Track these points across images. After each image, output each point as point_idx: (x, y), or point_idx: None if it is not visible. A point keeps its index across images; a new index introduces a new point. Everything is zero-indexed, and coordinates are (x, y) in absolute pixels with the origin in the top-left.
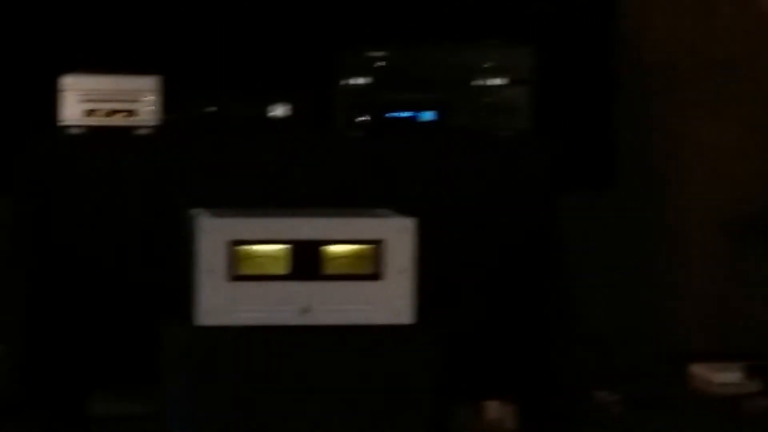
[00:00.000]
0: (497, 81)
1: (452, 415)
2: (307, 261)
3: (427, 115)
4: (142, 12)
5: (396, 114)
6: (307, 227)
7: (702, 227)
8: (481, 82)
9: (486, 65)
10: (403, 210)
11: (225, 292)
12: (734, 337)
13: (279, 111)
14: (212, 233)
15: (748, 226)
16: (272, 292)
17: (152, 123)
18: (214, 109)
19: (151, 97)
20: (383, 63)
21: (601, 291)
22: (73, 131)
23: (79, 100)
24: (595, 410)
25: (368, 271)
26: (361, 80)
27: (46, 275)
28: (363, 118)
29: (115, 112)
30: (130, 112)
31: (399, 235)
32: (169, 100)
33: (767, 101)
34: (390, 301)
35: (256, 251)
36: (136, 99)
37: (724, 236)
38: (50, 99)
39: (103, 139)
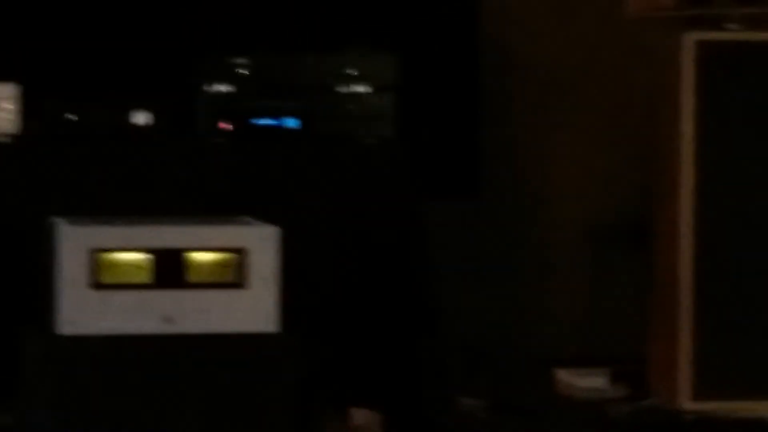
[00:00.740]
0: (361, 88)
1: (318, 422)
2: (169, 269)
3: (291, 122)
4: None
5: (259, 121)
6: (169, 235)
7: (567, 234)
8: (344, 89)
9: (350, 72)
10: (266, 218)
11: (86, 300)
12: (599, 342)
13: (140, 118)
14: (73, 241)
15: (612, 232)
16: (135, 301)
17: (11, 131)
18: (74, 116)
19: (9, 105)
20: (246, 69)
21: (467, 298)
22: None
23: None
24: (461, 416)
25: (232, 280)
26: (223, 87)
27: None
28: (226, 125)
29: None
30: None
31: (262, 243)
32: (28, 107)
33: (630, 108)
34: (254, 310)
35: (118, 259)
36: None
37: (589, 242)
38: None
39: None
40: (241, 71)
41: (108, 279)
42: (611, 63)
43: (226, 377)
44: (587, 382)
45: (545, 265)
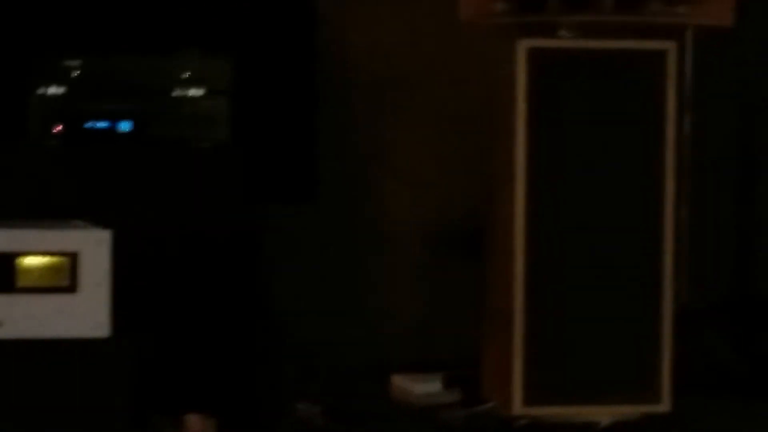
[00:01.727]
0: (195, 92)
1: (153, 428)
2: (0, 273)
3: (125, 126)
4: None
5: (93, 124)
6: (0, 239)
7: (404, 238)
8: (179, 93)
9: (184, 76)
10: (99, 222)
11: None
12: (435, 348)
13: None
14: None
15: (448, 238)
16: None
17: None
18: None
19: None
20: (79, 72)
21: (303, 303)
22: None
23: None
24: (297, 422)
25: (63, 284)
26: (56, 89)
27: None
28: (59, 128)
29: None
30: None
31: (94, 247)
32: None
33: (468, 113)
34: (85, 314)
35: None
36: None
37: (425, 248)
38: None
39: None
40: (74, 73)
41: None
42: (450, 67)
43: (56, 382)
44: (422, 387)
45: (382, 270)
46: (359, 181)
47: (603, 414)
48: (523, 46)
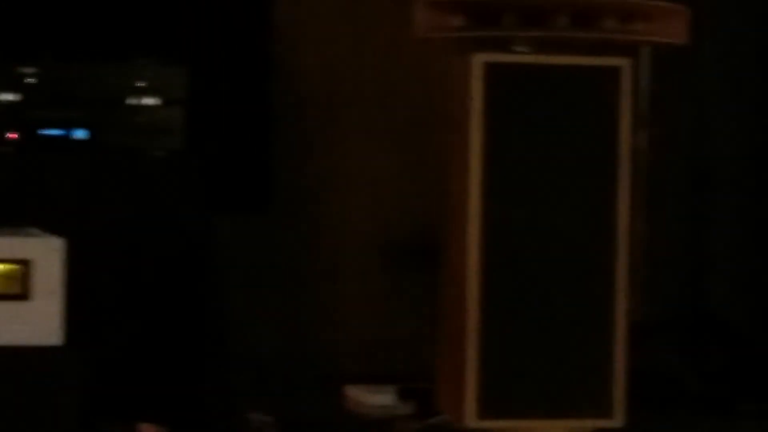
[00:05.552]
0: (150, 100)
1: None
2: None
3: (80, 134)
4: None
5: (47, 131)
6: None
7: (359, 249)
8: (134, 101)
9: (139, 84)
10: (52, 230)
11: None
12: (390, 359)
13: None
14: None
15: (401, 250)
16: None
17: None
18: None
19: None
20: (33, 79)
21: (256, 313)
22: None
23: None
24: None
25: (16, 291)
26: (11, 96)
27: None
28: (12, 135)
29: None
30: None
31: (47, 254)
32: None
33: (419, 128)
34: (38, 322)
35: None
36: None
37: (380, 259)
38: None
39: None
40: (28, 80)
41: None
42: (405, 79)
43: (7, 390)
44: (376, 399)
45: (336, 281)
46: (314, 193)
47: (556, 428)
48: (478, 61)
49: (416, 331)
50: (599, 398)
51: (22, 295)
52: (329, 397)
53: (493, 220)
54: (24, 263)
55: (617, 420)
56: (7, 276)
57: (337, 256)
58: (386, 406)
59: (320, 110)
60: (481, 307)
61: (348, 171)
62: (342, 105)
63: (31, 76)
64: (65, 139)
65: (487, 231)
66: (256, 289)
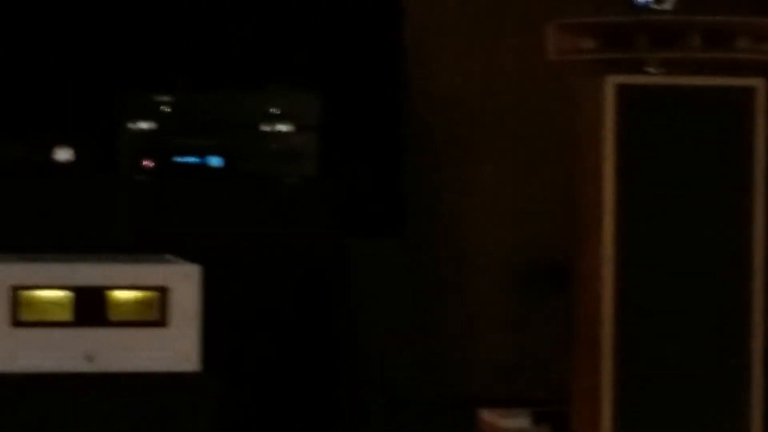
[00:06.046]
0: (284, 127)
1: None
2: (91, 307)
3: (214, 161)
4: None
5: (182, 159)
6: (91, 273)
7: (491, 272)
8: (267, 128)
9: (273, 111)
10: (188, 256)
11: (6, 338)
12: (523, 383)
13: (62, 154)
14: None
15: (536, 271)
16: (55, 339)
17: None
18: None
19: None
20: (169, 107)
21: (389, 336)
22: None
23: None
24: None
25: (153, 318)
26: (146, 124)
27: None
28: (148, 163)
29: None
30: None
31: (184, 281)
32: None
33: (554, 148)
34: (175, 348)
35: (38, 297)
36: None
37: (512, 281)
38: None
39: None
40: (164, 108)
41: (28, 316)
42: (536, 103)
43: (146, 417)
44: (511, 422)
45: (470, 303)
46: (447, 215)
47: None
48: (610, 83)
49: (550, 354)
50: (736, 417)
51: (160, 322)
52: (464, 421)
53: (626, 240)
54: (161, 290)
55: None
56: (144, 303)
57: (470, 278)
58: (521, 430)
59: (452, 132)
60: (615, 327)
61: (480, 192)
62: (474, 126)
63: (166, 104)
64: (200, 167)
65: (620, 251)
66: (390, 313)
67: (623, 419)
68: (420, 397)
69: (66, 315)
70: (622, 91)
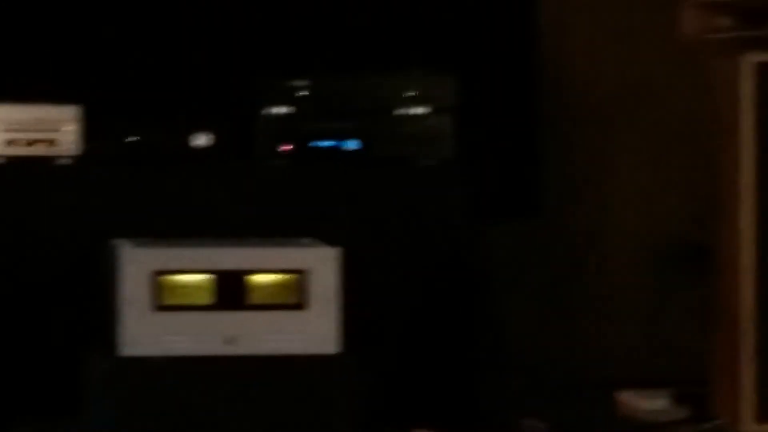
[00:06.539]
0: (420, 110)
1: None
2: (231, 291)
3: (350, 144)
4: (62, 41)
5: (318, 143)
6: (230, 257)
7: (627, 254)
8: (403, 111)
9: (408, 94)
10: (326, 240)
11: (148, 322)
12: (661, 363)
13: (201, 140)
14: (135, 263)
15: (673, 252)
16: (196, 322)
17: (73, 153)
18: (135, 138)
19: (71, 127)
20: (306, 91)
21: (528, 317)
22: None
23: None
24: None
25: (292, 301)
26: (283, 109)
27: None
28: (286, 147)
29: (35, 141)
30: (51, 142)
31: (323, 264)
32: (90, 129)
33: (691, 128)
34: (314, 331)
35: (179, 281)
36: (56, 128)
37: (649, 263)
38: None
39: (23, 169)
40: (300, 93)
41: (170, 300)
42: (672, 82)
43: (286, 398)
44: (650, 404)
45: (607, 285)
46: (582, 196)
47: None
48: (749, 61)
49: (690, 335)
50: None
51: (299, 305)
52: (603, 402)
53: (766, 217)
54: (300, 273)
55: None
56: (283, 286)
57: (607, 260)
58: (660, 411)
59: (587, 113)
60: (758, 308)
61: (615, 173)
62: (610, 108)
63: (303, 89)
64: (336, 150)
65: (761, 236)
66: (527, 295)
67: (766, 403)
68: (558, 379)
69: (206, 299)
70: (761, 69)
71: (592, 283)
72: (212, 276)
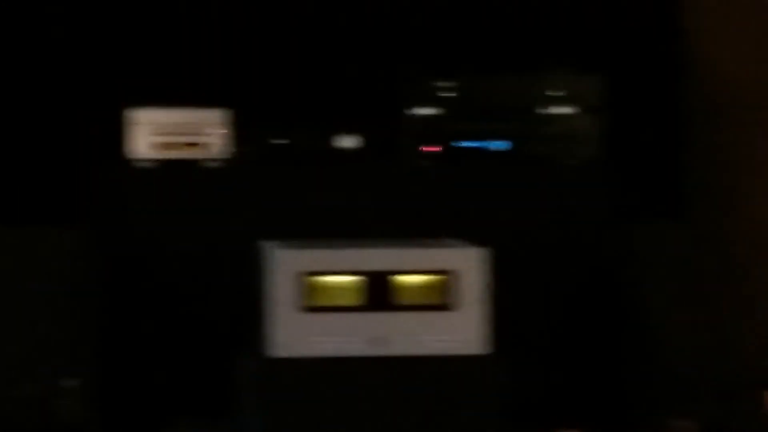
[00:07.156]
0: (566, 109)
1: None
2: (379, 292)
3: (496, 145)
4: (211, 45)
5: (464, 143)
6: (378, 258)
7: None
8: (550, 111)
9: (555, 94)
10: (473, 240)
11: (297, 323)
12: None
13: (347, 142)
14: (284, 265)
15: None
16: (344, 323)
17: (222, 155)
18: (283, 141)
19: (220, 130)
20: (451, 92)
21: (675, 318)
22: (143, 164)
23: (149, 133)
24: None
25: (440, 302)
26: (428, 110)
27: (118, 308)
28: (431, 148)
29: (184, 145)
30: (200, 145)
31: (471, 265)
32: (239, 132)
33: None
34: (462, 332)
35: (328, 282)
36: (205, 132)
37: None
38: (117, 132)
39: (172, 172)
40: (445, 94)
41: (318, 301)
42: None
43: (434, 399)
44: None
45: (755, 283)
46: (729, 196)
47: None
48: None
49: None
50: None
51: (447, 306)
52: (750, 402)
53: None
54: (447, 274)
55: None
56: (430, 287)
57: (754, 261)
58: None
59: (734, 113)
60: None
61: (762, 173)
62: (757, 109)
63: (448, 89)
64: (482, 151)
65: None
66: (674, 295)
67: None
68: (707, 380)
69: (354, 300)
70: None
71: (738, 281)
72: (360, 277)
